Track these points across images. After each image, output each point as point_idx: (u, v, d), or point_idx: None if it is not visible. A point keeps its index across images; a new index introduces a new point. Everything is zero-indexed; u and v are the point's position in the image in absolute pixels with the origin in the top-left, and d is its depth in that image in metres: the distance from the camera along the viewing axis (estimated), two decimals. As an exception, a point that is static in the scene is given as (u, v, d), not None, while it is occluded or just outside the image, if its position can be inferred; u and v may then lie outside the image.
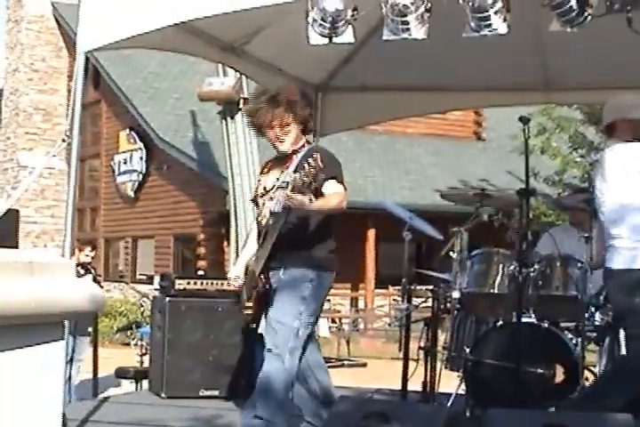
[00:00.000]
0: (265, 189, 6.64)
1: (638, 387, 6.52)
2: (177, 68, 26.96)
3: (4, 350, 2.15)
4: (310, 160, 5.94)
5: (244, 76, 13.43)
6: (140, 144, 28.53)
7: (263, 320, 6.62)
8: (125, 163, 29.59)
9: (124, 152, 29.73)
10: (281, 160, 6.67)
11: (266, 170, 6.78)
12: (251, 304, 6.61)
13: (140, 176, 28.62)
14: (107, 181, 31.16)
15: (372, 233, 25.11)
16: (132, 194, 29.13)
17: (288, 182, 6.15)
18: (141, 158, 28.62)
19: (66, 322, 2.79)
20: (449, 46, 7.58)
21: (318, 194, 6.22)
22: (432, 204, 7.56)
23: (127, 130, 29.40)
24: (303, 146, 6.64)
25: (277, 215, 6.32)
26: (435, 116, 26.85)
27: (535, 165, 18.71)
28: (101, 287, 10.81)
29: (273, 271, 6.50)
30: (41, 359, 2.31)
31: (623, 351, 7.89)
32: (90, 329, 10.89)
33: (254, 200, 6.84)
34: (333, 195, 6.29)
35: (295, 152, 6.57)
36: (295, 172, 6.26)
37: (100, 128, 32.14)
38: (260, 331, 6.65)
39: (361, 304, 26.85)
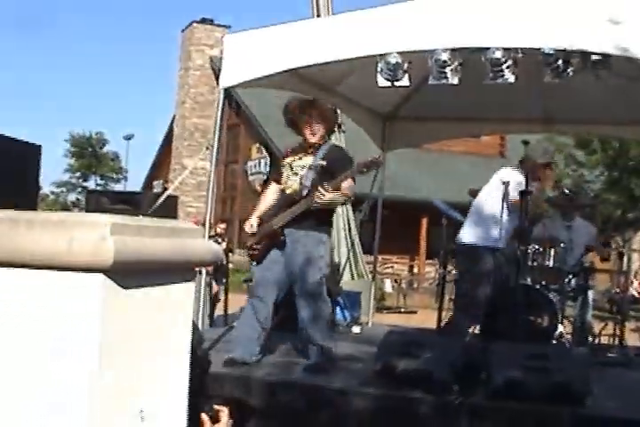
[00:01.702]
0: (291, 166, 6.54)
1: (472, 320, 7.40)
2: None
3: (159, 284, 2.26)
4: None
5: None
6: (266, 154, 28.84)
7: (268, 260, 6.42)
8: (255, 167, 29.95)
9: (254, 159, 30.07)
10: (305, 149, 6.57)
11: (292, 154, 6.61)
12: (259, 247, 6.45)
13: (265, 176, 28.94)
14: (242, 179, 31.49)
15: (424, 220, 25.10)
16: (259, 188, 29.35)
17: (318, 166, 6.36)
18: (266, 164, 28.97)
19: (199, 269, 2.86)
20: (479, 90, 7.54)
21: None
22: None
23: (257, 144, 29.72)
24: (325, 142, 6.64)
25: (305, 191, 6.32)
26: (471, 139, 26.73)
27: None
28: (230, 250, 10.99)
29: (291, 230, 6.34)
30: (179, 293, 2.40)
31: (590, 307, 7.96)
32: (224, 280, 11.14)
33: (278, 174, 6.73)
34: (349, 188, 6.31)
35: (319, 145, 6.54)
36: (322, 159, 6.40)
37: (239, 143, 32.46)
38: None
39: (415, 270, 26.91)
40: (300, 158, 6.55)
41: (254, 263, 6.62)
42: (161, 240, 2.18)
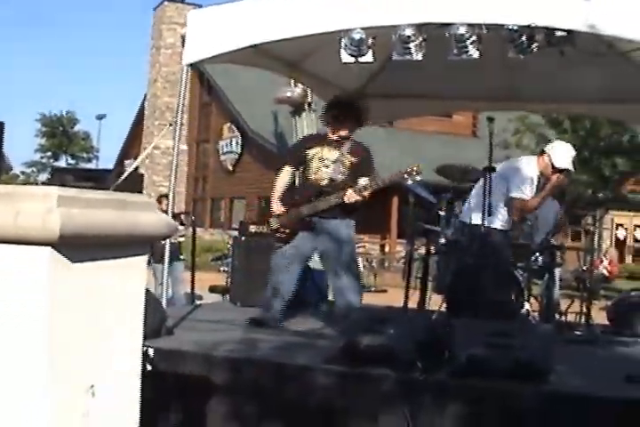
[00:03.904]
0: (321, 158, 7.03)
1: None
2: (264, 79, 26.99)
3: (108, 258, 2.23)
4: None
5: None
6: (238, 133, 28.91)
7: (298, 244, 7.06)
8: (227, 146, 29.98)
9: (226, 139, 30.04)
10: (329, 141, 7.08)
11: (316, 146, 7.11)
12: (287, 232, 7.06)
13: (237, 155, 29.08)
14: (214, 158, 31.48)
15: (395, 199, 25.18)
16: (230, 168, 29.57)
17: (346, 161, 6.99)
18: (238, 143, 29.07)
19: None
20: (447, 67, 7.50)
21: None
22: (439, 180, 8.06)
23: (229, 123, 29.71)
24: (350, 137, 7.11)
25: (337, 184, 6.96)
26: (444, 118, 26.79)
27: (512, 155, 18.67)
28: (192, 227, 11.03)
29: (324, 219, 6.98)
30: (131, 266, 2.37)
31: (557, 285, 7.98)
32: (182, 256, 11.29)
33: (296, 161, 7.24)
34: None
35: (346, 139, 7.07)
36: (350, 154, 7.00)
37: (211, 122, 32.51)
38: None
39: (386, 249, 27.01)
40: (329, 151, 7.06)
41: (277, 244, 7.25)
42: (111, 213, 2.14)
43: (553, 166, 7.16)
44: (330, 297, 9.61)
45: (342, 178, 7.00)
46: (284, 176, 7.26)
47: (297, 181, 7.52)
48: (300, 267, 7.22)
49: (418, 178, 6.84)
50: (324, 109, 7.32)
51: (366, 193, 6.79)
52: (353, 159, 7.03)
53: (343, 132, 7.07)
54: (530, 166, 7.10)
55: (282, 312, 7.20)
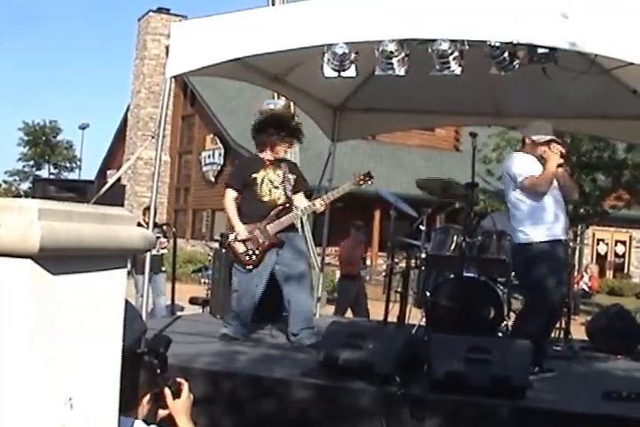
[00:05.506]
0: (269, 180, 7.24)
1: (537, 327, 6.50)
2: (248, 92, 27.07)
3: (89, 271, 2.24)
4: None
5: (291, 100, 13.45)
6: (220, 145, 28.88)
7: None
8: (209, 157, 29.99)
9: (208, 150, 30.05)
10: (271, 162, 7.29)
11: (262, 169, 7.27)
12: (258, 253, 7.18)
13: (219, 167, 29.05)
14: (196, 169, 31.50)
15: (377, 213, 25.24)
16: (212, 179, 29.48)
17: (291, 179, 7.32)
18: (220, 155, 29.04)
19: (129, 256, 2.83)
20: (431, 82, 7.52)
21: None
22: (421, 194, 8.07)
23: (212, 135, 29.72)
24: (285, 157, 7.54)
25: (290, 201, 7.33)
26: (427, 132, 26.89)
27: (493, 169, 18.86)
28: (173, 239, 11.08)
29: (288, 233, 7.29)
30: (111, 280, 2.38)
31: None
32: (163, 268, 11.29)
33: (241, 185, 7.30)
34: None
35: (282, 160, 7.39)
36: (290, 173, 7.34)
37: (193, 133, 32.50)
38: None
39: (368, 262, 27.02)
40: (273, 172, 7.30)
41: (246, 268, 7.27)
42: (91, 226, 2.16)
43: (536, 143, 6.72)
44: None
45: (291, 195, 7.33)
46: (233, 200, 7.37)
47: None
48: (266, 281, 7.29)
49: (369, 183, 7.28)
50: (256, 129, 7.45)
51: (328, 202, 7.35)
52: (294, 177, 7.39)
53: (282, 153, 7.36)
54: (519, 156, 6.75)
55: (247, 326, 7.48)
